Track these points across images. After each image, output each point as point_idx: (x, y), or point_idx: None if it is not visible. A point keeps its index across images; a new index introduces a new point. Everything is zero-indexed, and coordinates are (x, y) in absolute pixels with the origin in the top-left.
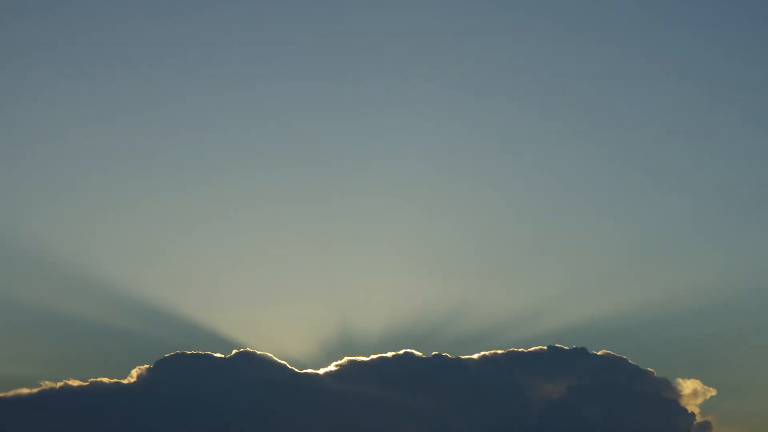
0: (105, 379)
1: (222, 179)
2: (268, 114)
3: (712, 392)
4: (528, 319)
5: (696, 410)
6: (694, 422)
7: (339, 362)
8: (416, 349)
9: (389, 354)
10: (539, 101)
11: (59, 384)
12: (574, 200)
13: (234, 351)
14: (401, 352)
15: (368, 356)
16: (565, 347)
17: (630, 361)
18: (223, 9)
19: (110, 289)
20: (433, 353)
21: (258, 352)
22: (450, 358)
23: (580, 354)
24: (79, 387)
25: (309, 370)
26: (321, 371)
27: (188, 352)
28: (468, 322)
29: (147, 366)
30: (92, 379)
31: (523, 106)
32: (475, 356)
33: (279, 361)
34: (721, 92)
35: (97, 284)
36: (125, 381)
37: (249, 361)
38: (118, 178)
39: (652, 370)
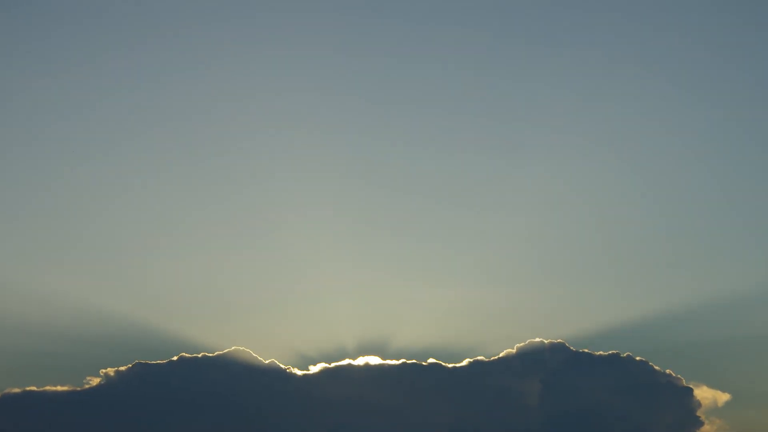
0: (63, 387)
1: (195, 187)
2: (257, 113)
3: (726, 397)
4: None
5: (702, 415)
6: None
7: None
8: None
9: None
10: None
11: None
12: (579, 204)
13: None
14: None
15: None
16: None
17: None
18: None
19: (67, 298)
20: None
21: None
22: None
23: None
24: (42, 392)
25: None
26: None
27: (152, 362)
28: (466, 326)
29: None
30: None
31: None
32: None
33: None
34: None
35: (53, 293)
36: (83, 388)
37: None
38: (79, 180)
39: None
